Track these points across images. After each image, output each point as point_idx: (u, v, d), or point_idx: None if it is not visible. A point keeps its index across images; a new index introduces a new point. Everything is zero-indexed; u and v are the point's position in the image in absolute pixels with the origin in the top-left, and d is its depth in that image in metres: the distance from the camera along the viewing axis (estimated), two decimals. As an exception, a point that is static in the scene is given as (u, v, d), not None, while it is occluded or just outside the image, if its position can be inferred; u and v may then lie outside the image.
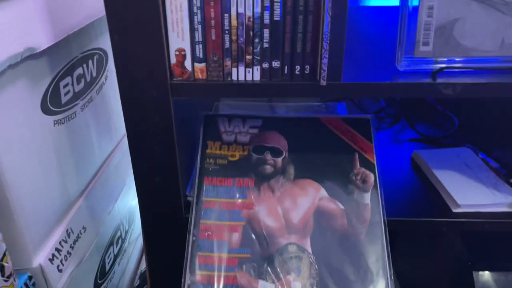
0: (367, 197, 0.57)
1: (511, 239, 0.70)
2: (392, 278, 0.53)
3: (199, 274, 0.53)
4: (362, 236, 0.55)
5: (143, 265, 1.00)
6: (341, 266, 0.53)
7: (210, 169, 0.60)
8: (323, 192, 0.58)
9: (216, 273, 0.53)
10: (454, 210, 0.63)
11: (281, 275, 0.53)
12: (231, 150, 0.60)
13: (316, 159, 0.60)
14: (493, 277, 0.70)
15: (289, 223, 0.56)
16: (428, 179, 0.70)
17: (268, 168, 0.59)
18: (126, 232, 0.94)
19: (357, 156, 0.60)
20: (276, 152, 0.60)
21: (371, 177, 0.58)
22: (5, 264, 0.54)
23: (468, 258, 0.72)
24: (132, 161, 0.58)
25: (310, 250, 0.55)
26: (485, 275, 0.71)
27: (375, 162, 0.59)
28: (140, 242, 1.04)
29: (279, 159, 0.60)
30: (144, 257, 1.02)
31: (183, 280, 0.53)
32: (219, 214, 0.57)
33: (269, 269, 0.53)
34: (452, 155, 0.73)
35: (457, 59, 0.54)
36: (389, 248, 0.54)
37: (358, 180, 0.58)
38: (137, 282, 0.95)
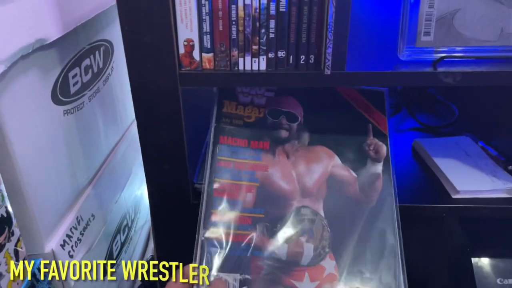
0: (379, 168, 0.58)
1: (509, 227, 0.71)
2: (402, 245, 0.54)
3: (213, 231, 0.53)
4: (373, 204, 0.56)
5: (149, 253, 1.02)
6: (353, 231, 0.54)
7: (226, 128, 0.60)
8: (336, 160, 0.58)
9: (230, 231, 0.53)
10: (454, 196, 0.64)
11: (294, 236, 0.54)
12: (247, 112, 0.60)
13: (331, 127, 0.60)
14: (492, 263, 0.72)
15: (303, 187, 0.57)
16: (428, 167, 0.71)
17: (283, 132, 0.59)
18: (132, 221, 0.95)
19: (370, 127, 0.60)
20: (291, 117, 0.60)
21: (384, 148, 0.59)
22: (19, 249, 0.55)
23: (467, 245, 0.73)
24: (141, 149, 0.59)
25: (322, 214, 0.55)
26: (484, 262, 0.72)
27: (387, 134, 0.60)
28: (145, 231, 1.05)
29: (294, 125, 0.60)
30: (149, 246, 1.04)
31: (197, 236, 0.53)
32: (234, 173, 0.57)
33: (282, 229, 0.54)
34: (452, 144, 0.74)
35: (457, 48, 0.55)
36: (399, 217, 0.55)
37: (371, 150, 0.59)
38: (143, 269, 0.97)
